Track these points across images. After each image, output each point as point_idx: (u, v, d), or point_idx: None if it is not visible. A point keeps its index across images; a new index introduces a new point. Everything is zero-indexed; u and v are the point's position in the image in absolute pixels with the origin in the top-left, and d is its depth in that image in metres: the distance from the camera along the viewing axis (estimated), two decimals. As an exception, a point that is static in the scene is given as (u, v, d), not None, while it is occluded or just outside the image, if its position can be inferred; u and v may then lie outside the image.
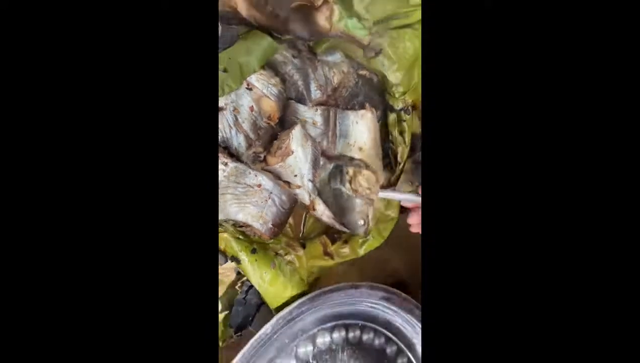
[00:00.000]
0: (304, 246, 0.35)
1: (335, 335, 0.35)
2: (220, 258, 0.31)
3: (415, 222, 0.35)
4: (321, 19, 0.28)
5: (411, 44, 0.37)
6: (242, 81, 0.30)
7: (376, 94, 0.38)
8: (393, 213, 0.41)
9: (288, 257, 0.34)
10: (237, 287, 0.34)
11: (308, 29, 0.29)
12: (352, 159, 0.35)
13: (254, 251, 0.32)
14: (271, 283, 0.32)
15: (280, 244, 0.34)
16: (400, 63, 0.36)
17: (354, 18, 0.29)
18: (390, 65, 0.36)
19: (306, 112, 0.33)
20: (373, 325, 0.37)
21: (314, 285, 0.36)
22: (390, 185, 0.40)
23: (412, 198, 0.35)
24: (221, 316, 0.34)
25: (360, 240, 0.38)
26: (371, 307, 0.36)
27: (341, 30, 0.30)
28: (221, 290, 0.33)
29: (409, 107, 0.38)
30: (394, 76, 0.36)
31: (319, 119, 0.34)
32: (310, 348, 0.34)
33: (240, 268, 0.32)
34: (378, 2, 0.31)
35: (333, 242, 0.37)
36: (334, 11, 0.28)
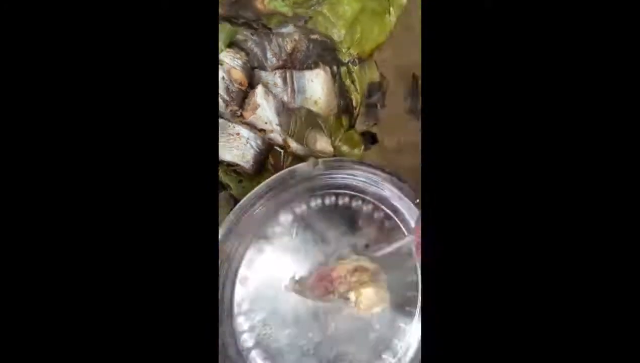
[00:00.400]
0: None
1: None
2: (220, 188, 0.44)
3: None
4: (257, 4, 0.39)
5: (349, 6, 0.45)
6: (214, 59, 0.41)
7: (327, 53, 0.47)
8: (358, 150, 0.50)
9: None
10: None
11: (251, 12, 0.40)
12: (309, 110, 0.45)
13: (240, 181, 0.44)
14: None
15: (262, 177, 0.46)
16: (341, 23, 0.45)
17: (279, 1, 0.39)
18: (331, 27, 0.45)
19: (267, 76, 0.44)
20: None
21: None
22: (350, 127, 0.49)
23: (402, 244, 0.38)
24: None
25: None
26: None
27: (272, 9, 0.40)
28: (221, 214, 0.46)
29: (355, 59, 0.47)
30: (337, 35, 0.45)
31: (278, 81, 0.44)
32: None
33: (232, 194, 0.45)
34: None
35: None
36: None
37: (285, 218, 0.40)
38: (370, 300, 0.39)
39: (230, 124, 0.43)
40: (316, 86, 0.45)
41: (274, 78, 0.44)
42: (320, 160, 0.39)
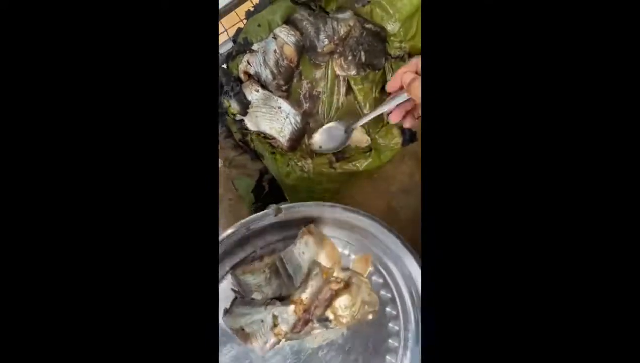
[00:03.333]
0: (312, 158, 0.47)
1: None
2: (250, 153, 0.45)
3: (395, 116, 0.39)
4: None
5: (408, 0, 0.45)
6: (269, 33, 0.43)
7: (379, 42, 0.47)
8: (395, 144, 0.50)
9: (299, 163, 0.46)
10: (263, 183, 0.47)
11: None
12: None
13: (273, 153, 0.45)
14: (286, 176, 0.45)
15: (295, 155, 0.47)
16: (397, 15, 0.45)
17: None
18: (388, 18, 0.45)
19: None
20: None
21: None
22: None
23: (397, 100, 0.37)
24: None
25: (362, 160, 0.48)
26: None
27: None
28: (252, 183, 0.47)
29: (405, 54, 0.47)
30: (391, 27, 0.45)
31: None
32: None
33: (264, 163, 0.46)
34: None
35: (337, 160, 0.48)
36: None
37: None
38: (347, 308, 0.37)
39: (273, 96, 0.44)
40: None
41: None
42: (282, 206, 0.37)
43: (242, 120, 0.44)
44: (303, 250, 0.38)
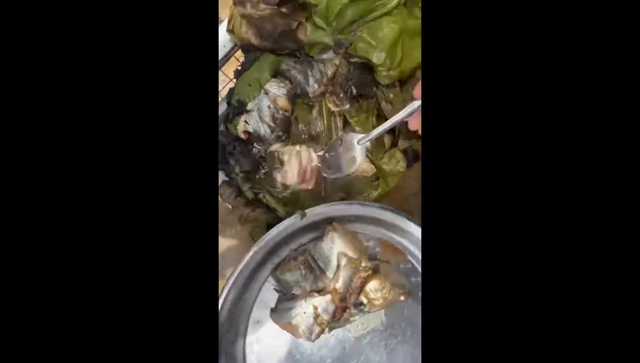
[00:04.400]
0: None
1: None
2: (263, 207, 0.47)
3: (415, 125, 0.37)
4: (301, 35, 0.41)
5: (389, 29, 0.46)
6: (260, 89, 0.44)
7: (368, 73, 0.48)
8: (401, 167, 0.50)
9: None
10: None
11: (294, 43, 0.42)
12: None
13: (285, 205, 0.46)
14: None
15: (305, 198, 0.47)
16: (381, 46, 0.45)
17: (321, 30, 0.41)
18: (372, 50, 0.45)
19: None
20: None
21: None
22: (392, 146, 0.50)
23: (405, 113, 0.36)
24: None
25: (372, 191, 0.49)
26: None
27: (314, 40, 0.41)
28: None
29: (396, 82, 0.47)
30: (376, 58, 0.46)
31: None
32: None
33: (278, 215, 0.47)
34: (344, 15, 0.41)
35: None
36: (307, 28, 0.40)
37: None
38: (378, 291, 0.41)
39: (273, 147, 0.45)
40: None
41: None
42: (307, 211, 0.42)
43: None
44: (330, 245, 0.43)
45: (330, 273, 0.42)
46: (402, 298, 0.43)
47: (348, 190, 0.48)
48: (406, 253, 0.47)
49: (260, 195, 0.46)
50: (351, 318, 0.43)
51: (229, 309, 0.41)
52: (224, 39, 0.44)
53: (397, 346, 0.44)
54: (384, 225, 0.45)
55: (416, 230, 0.42)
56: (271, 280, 0.45)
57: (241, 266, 0.40)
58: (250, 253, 0.40)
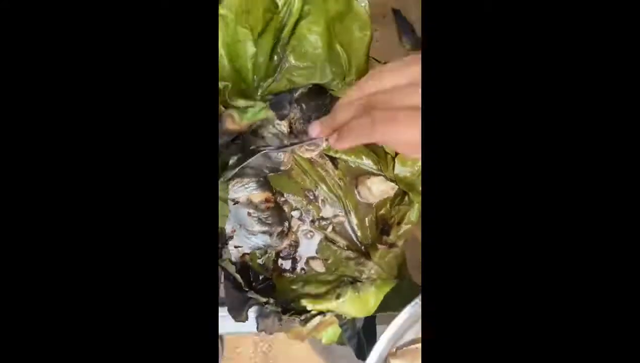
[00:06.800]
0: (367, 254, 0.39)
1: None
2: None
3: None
4: (230, 125, 0.30)
5: (312, 33, 0.36)
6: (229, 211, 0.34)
7: (321, 95, 0.37)
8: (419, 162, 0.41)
9: (363, 275, 0.38)
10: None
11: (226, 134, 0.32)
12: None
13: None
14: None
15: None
16: (318, 64, 0.35)
17: (249, 110, 0.30)
18: (311, 73, 0.35)
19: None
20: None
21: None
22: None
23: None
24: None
25: (408, 212, 0.40)
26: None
27: (248, 123, 0.31)
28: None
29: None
30: (321, 77, 0.36)
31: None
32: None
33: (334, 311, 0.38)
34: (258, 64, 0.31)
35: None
36: (234, 116, 0.30)
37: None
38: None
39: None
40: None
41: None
42: None
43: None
44: None
45: None
46: None
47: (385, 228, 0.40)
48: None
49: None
50: None
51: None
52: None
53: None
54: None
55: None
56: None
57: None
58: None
